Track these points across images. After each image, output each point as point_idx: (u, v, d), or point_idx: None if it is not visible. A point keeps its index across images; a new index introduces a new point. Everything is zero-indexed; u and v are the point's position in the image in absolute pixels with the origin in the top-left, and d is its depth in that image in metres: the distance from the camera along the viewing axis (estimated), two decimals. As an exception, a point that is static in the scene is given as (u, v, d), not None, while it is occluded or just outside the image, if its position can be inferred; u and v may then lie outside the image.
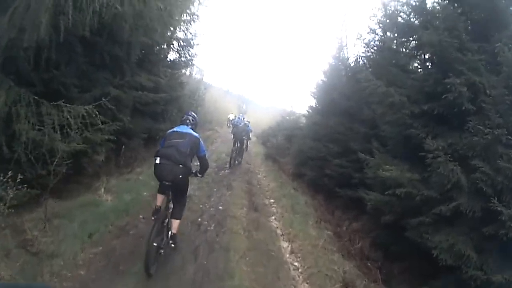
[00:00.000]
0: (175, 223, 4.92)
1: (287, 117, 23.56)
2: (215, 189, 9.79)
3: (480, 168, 5.01)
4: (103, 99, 6.17)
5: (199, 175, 5.31)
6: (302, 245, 6.79)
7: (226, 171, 12.90)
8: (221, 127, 31.56)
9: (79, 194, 6.87)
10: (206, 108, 27.80)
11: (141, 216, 6.61)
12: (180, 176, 4.58)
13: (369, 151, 7.98)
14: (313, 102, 17.04)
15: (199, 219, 7.10)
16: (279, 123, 24.58)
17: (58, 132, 5.58)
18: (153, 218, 4.82)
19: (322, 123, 13.32)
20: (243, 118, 27.02)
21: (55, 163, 5.29)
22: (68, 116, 5.51)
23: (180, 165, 4.53)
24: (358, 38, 11.95)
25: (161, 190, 4.92)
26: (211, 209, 7.97)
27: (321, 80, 15.89)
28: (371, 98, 7.63)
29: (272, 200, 10.04)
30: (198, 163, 5.30)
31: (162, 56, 13.01)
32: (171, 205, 5.00)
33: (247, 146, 17.49)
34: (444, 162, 5.27)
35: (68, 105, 5.57)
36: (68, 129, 5.66)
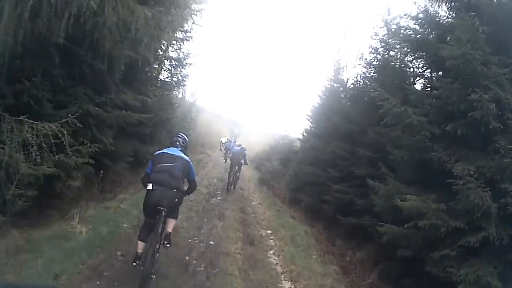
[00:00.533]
0: (171, 222, 4.72)
1: (281, 141, 23.00)
2: (205, 219, 8.67)
3: (511, 192, 4.67)
4: (69, 116, 5.40)
5: (186, 195, 4.99)
6: (308, 286, 5.82)
7: (218, 198, 11.89)
8: (213, 151, 30.78)
9: (52, 223, 6.00)
10: (198, 131, 26.99)
11: (118, 253, 5.52)
12: (176, 200, 4.49)
13: (375, 176, 7.58)
14: (308, 126, 16.86)
15: (187, 257, 5.96)
16: (273, 147, 24.09)
17: (22, 152, 4.86)
18: (134, 264, 4.46)
19: (320, 147, 12.77)
20: (235, 142, 26.64)
21: (12, 188, 4.68)
22: (31, 134, 4.55)
23: (174, 190, 4.41)
24: (360, 58, 11.74)
25: (150, 216, 4.55)
26: (201, 244, 6.84)
27: (317, 103, 15.80)
28: (388, 119, 6.79)
29: (269, 231, 9.01)
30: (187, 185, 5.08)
31: (151, 74, 12.14)
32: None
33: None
34: (474, 189, 4.78)
35: (31, 121, 4.65)
36: (34, 150, 4.84)
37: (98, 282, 4.52)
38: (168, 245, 4.66)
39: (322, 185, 11.10)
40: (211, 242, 7.04)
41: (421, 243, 5.49)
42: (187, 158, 4.77)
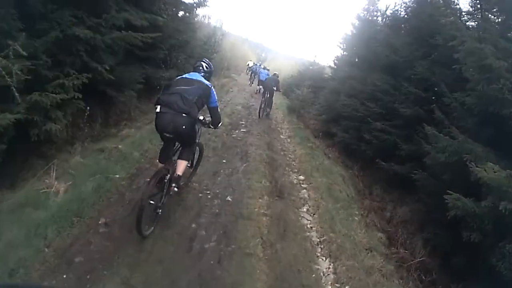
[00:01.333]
0: (181, 164, 4.19)
1: (310, 67, 21.70)
2: (224, 160, 7.17)
3: None
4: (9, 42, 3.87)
5: (211, 127, 4.60)
6: (351, 269, 4.32)
7: (242, 130, 10.25)
8: (238, 75, 28.85)
9: (26, 183, 4.54)
10: (223, 54, 24.73)
11: (101, 222, 4.07)
12: (183, 127, 3.85)
13: (424, 119, 6.74)
14: (340, 53, 16.04)
15: (193, 225, 4.47)
16: (302, 72, 22.51)
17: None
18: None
19: (358, 77, 11.30)
20: (261, 66, 27.42)
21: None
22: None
23: (184, 114, 3.81)
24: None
25: (163, 140, 4.21)
26: (215, 201, 5.25)
27: (351, 31, 14.69)
28: (460, 55, 5.48)
29: (301, 177, 7.39)
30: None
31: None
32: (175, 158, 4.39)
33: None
34: None
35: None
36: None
37: (65, 275, 3.17)
38: (176, 189, 4.10)
39: (360, 121, 9.75)
40: (229, 198, 5.48)
41: (494, 229, 4.26)
42: (207, 82, 4.26)
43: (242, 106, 13.89)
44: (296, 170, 7.79)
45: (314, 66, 21.28)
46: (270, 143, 9.54)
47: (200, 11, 25.95)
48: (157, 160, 4.35)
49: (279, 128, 12.20)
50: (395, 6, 12.25)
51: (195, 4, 12.68)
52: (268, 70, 21.60)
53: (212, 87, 4.31)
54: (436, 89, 7.38)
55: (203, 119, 4.27)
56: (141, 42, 6.99)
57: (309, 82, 17.89)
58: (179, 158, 4.23)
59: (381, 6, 12.91)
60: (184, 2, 11.30)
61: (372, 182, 8.62)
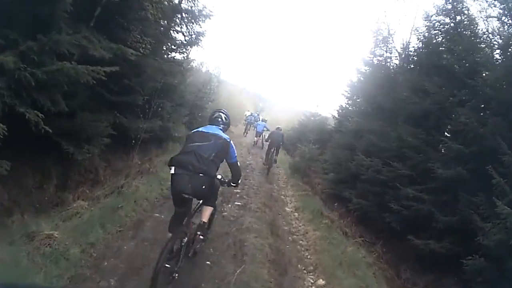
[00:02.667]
0: (207, 211, 3.87)
1: (312, 118, 19.74)
2: (208, 262, 4.60)
3: None
4: None
5: (233, 184, 4.21)
6: None
7: (236, 203, 7.72)
8: (235, 126, 26.66)
9: None
10: (219, 103, 22.67)
11: None
12: (203, 187, 3.49)
13: (470, 182, 5.98)
14: (344, 102, 15.19)
15: None
16: (303, 124, 20.73)
17: None
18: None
19: (378, 130, 9.27)
20: (259, 116, 26.16)
21: None
22: None
23: (201, 174, 3.44)
24: (426, 19, 9.32)
25: (178, 205, 3.74)
26: None
27: (358, 75, 13.85)
28: None
29: (321, 282, 4.86)
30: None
31: (148, 18, 7.66)
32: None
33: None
34: None
35: None
36: None
37: None
38: (201, 237, 3.84)
39: (384, 185, 7.95)
40: None
41: None
42: (225, 136, 3.83)
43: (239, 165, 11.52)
44: (311, 268, 5.30)
45: (316, 117, 19.40)
46: (273, 223, 7.01)
47: (194, 55, 24.43)
48: (169, 231, 3.76)
49: (282, 196, 9.79)
50: (416, 42, 10.34)
51: (186, 42, 10.66)
52: (266, 121, 20.39)
53: (231, 141, 3.89)
54: (486, 144, 5.96)
55: (221, 178, 3.93)
56: (94, 79, 4.74)
57: (313, 136, 15.80)
58: (204, 204, 3.90)
59: (396, 44, 11.96)
60: (172, 37, 9.16)
61: (399, 260, 6.98)
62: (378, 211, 7.97)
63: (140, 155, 8.67)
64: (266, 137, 14.49)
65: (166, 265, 3.27)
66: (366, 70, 13.26)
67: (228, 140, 3.83)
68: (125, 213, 5.25)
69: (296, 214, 8.16)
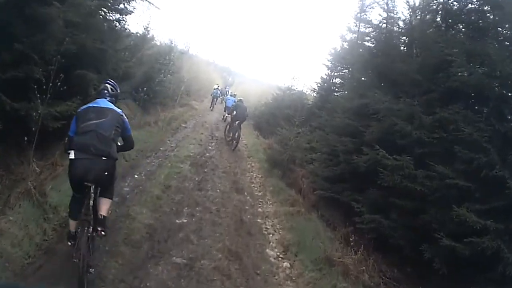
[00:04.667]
0: (106, 203, 3.29)
1: (288, 92, 16.53)
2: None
3: None
4: None
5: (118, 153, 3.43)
6: None
7: (174, 260, 3.86)
8: (201, 101, 22.76)
9: None
10: (182, 77, 18.56)
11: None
12: (106, 173, 3.07)
13: None
14: (325, 74, 13.45)
15: None
16: (278, 99, 17.17)
17: None
18: (69, 243, 3.24)
19: (406, 111, 5.69)
20: (228, 91, 24.97)
21: None
22: None
23: (104, 158, 3.01)
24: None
25: (76, 191, 3.16)
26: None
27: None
28: None
29: None
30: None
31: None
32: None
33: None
34: None
35: None
36: None
37: None
38: (103, 232, 3.19)
39: (420, 199, 4.89)
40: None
41: None
42: (118, 110, 3.34)
43: (192, 163, 7.66)
44: None
45: (292, 91, 16.28)
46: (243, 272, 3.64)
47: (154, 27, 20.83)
48: (69, 218, 3.25)
49: (259, 220, 5.76)
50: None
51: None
52: (235, 96, 17.70)
53: (124, 115, 3.33)
54: None
55: (119, 146, 3.38)
56: None
57: (291, 113, 12.14)
58: (102, 196, 3.24)
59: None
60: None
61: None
62: (409, 238, 4.84)
63: (43, 156, 5.35)
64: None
65: (90, 271, 2.97)
66: (353, 36, 11.95)
67: (122, 113, 3.31)
68: None
69: (287, 266, 4.30)
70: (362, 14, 11.84)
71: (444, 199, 4.58)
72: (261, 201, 6.58)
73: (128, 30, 9.67)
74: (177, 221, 4.68)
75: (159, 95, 13.05)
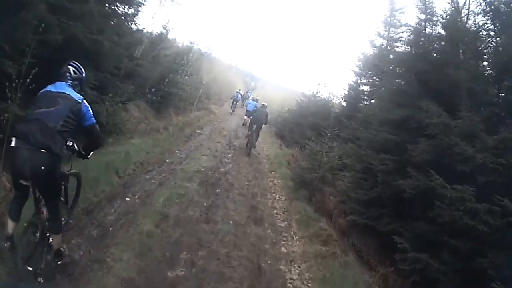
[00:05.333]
0: (56, 239, 2.93)
1: (313, 99, 15.23)
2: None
3: None
4: None
5: (82, 153, 3.08)
6: None
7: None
8: (221, 106, 21.46)
9: None
10: (201, 80, 17.40)
11: None
12: (42, 168, 2.57)
13: None
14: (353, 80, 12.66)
15: None
16: (302, 105, 15.77)
17: None
18: (6, 244, 2.75)
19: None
20: (250, 95, 24.59)
21: None
22: None
23: (42, 150, 2.56)
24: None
25: (16, 187, 2.81)
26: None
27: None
28: None
29: None
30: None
31: None
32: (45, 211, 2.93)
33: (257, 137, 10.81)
34: None
35: None
36: None
37: None
38: (59, 262, 2.98)
39: (472, 238, 3.85)
40: None
41: None
42: (77, 96, 2.85)
43: (202, 181, 6.22)
44: None
45: (317, 98, 15.09)
46: None
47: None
48: (8, 217, 2.83)
49: (283, 265, 4.22)
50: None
51: None
52: (257, 100, 16.92)
53: (85, 101, 2.86)
54: None
55: (71, 145, 2.82)
56: None
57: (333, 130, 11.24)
58: (51, 232, 2.89)
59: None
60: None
61: None
62: (460, 285, 3.96)
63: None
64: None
65: (28, 268, 2.68)
66: (383, 41, 11.72)
67: (81, 101, 2.83)
68: None
69: None
70: (391, 18, 11.65)
71: (506, 241, 3.68)
72: (285, 236, 5.04)
73: (137, 23, 8.52)
74: (169, 274, 3.28)
75: (174, 98, 11.98)
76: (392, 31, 11.66)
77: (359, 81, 12.61)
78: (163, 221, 4.24)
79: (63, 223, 3.29)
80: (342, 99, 13.22)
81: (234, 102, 21.64)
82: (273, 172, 8.65)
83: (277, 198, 6.79)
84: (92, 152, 3.16)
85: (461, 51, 5.85)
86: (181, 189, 5.45)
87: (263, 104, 12.08)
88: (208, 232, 4.33)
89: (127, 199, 4.66)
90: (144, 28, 11.20)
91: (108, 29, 6.46)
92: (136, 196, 4.78)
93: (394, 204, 5.35)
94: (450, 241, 4.01)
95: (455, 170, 4.29)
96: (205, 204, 5.12)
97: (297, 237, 5.11)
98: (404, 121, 5.86)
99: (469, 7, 6.15)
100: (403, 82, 7.13)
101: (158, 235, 3.91)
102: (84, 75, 3.09)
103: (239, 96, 23.30)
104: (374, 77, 11.96)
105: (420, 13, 7.11)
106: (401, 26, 11.33)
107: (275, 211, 6.00)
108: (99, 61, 6.23)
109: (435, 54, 6.38)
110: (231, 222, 4.82)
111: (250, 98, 21.63)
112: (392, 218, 5.24)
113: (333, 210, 6.46)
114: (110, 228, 3.86)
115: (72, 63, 3.04)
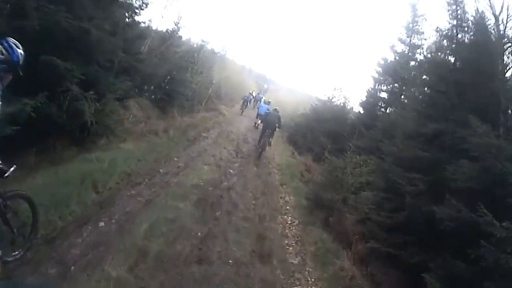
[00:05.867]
0: None
1: (328, 104, 14.58)
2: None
3: None
4: None
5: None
6: None
7: None
8: (231, 107, 20.62)
9: None
10: (211, 79, 16.46)
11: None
12: None
13: None
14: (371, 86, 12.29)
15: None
16: (317, 110, 15.10)
17: None
18: None
19: None
20: (263, 97, 23.68)
21: None
22: None
23: None
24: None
25: None
26: None
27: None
28: None
29: None
30: None
31: None
32: None
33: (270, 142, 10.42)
34: None
35: None
36: None
37: None
38: None
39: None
40: None
41: None
42: None
43: (200, 199, 5.17)
44: None
45: (332, 103, 14.47)
46: None
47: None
48: None
49: None
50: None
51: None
52: (269, 103, 17.05)
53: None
54: None
55: None
56: None
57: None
58: None
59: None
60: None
61: None
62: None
63: None
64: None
65: None
66: (405, 48, 11.48)
67: None
68: None
69: None
70: (414, 24, 11.51)
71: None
72: (298, 279, 3.95)
73: (139, 14, 7.62)
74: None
75: (181, 96, 11.17)
76: (414, 37, 11.53)
77: (377, 87, 12.32)
78: (140, 261, 3.17)
79: (17, 257, 2.80)
80: (360, 105, 12.90)
81: (245, 103, 21.56)
82: (284, 186, 7.54)
83: (289, 221, 5.67)
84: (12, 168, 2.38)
85: (500, 61, 5.21)
86: (172, 211, 4.37)
87: (275, 108, 11.77)
88: (199, 280, 3.23)
89: (101, 224, 3.62)
90: (151, 22, 10.64)
91: (100, 17, 5.50)
92: (113, 221, 3.74)
93: (423, 233, 4.62)
94: (490, 286, 3.30)
95: (506, 204, 3.57)
96: (199, 234, 4.03)
97: (313, 280, 4.04)
98: (436, 136, 5.31)
99: (508, 13, 5.32)
100: (432, 92, 6.24)
101: (130, 285, 2.89)
102: (15, 58, 2.41)
103: (251, 97, 23.52)
104: (395, 84, 11.67)
105: (451, 19, 6.23)
106: (421, 33, 11.38)
107: (286, 241, 4.89)
108: (87, 53, 5.28)
109: (470, 64, 5.58)
110: (230, 261, 3.73)
111: (262, 100, 21.36)
112: (420, 248, 4.56)
113: (354, 237, 5.43)
114: (72, 268, 2.88)
115: (4, 40, 2.41)
